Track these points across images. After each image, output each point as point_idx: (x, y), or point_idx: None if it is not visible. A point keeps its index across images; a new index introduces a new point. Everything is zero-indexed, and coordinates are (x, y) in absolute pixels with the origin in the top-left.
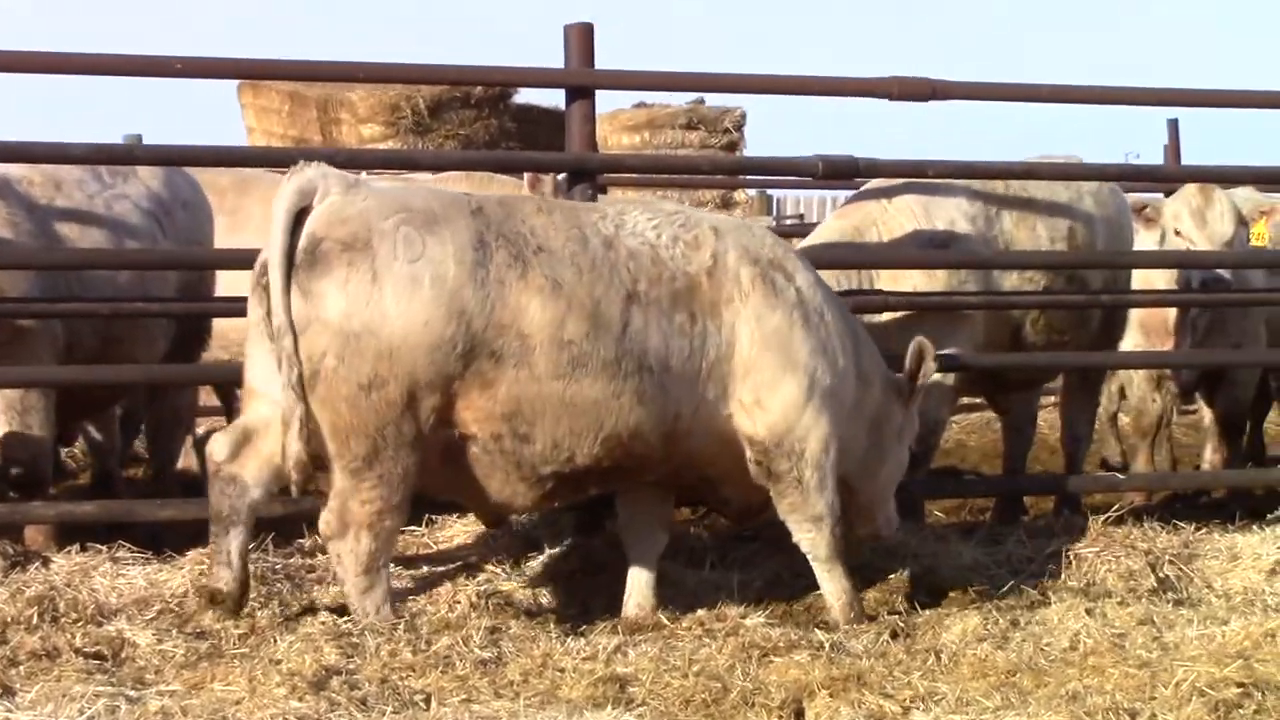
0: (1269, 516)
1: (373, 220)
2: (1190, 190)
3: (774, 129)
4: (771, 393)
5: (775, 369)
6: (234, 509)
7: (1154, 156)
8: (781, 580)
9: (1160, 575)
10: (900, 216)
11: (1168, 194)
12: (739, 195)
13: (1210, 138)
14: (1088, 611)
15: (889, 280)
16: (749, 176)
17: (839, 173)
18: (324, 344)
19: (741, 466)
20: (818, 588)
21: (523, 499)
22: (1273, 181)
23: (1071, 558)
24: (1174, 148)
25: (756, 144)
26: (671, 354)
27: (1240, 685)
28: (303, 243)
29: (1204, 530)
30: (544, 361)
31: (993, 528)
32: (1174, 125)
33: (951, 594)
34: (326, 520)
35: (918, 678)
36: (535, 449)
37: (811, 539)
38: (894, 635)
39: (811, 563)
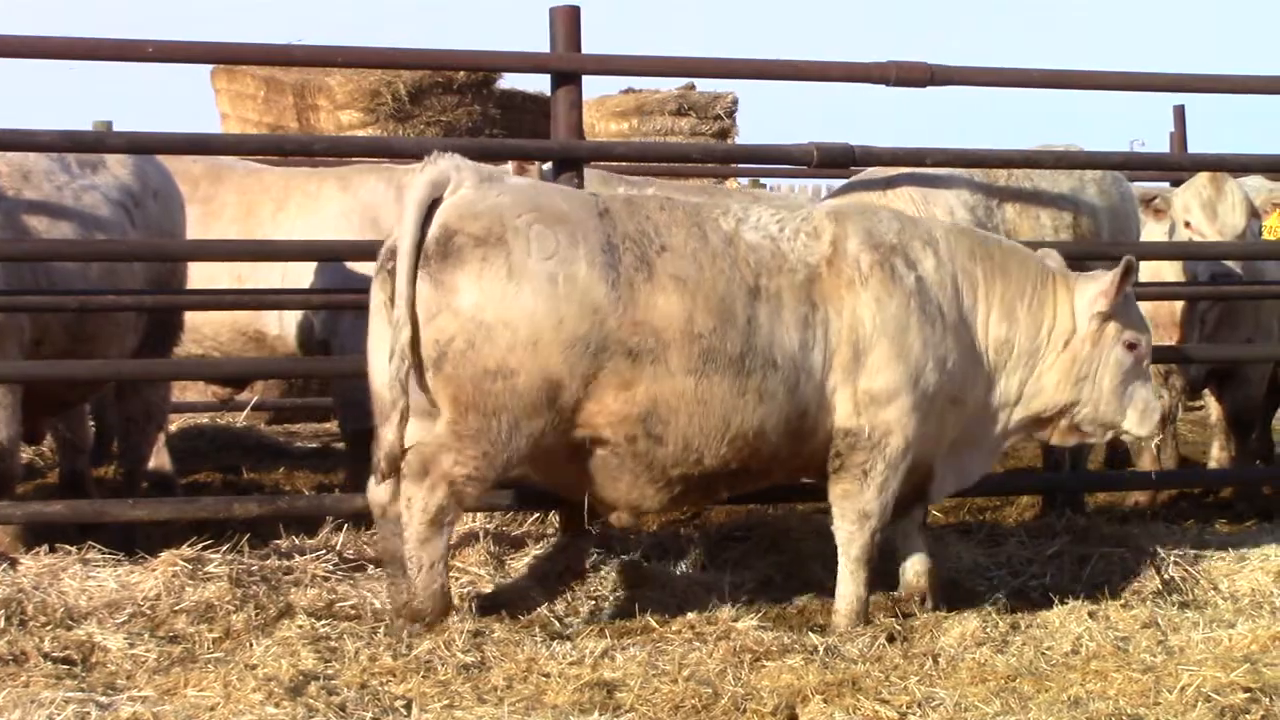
0: (1277, 516)
1: (506, 216)
2: (1201, 181)
3: (768, 115)
4: (879, 378)
5: (886, 355)
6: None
7: (1160, 144)
8: (774, 582)
9: (1165, 577)
10: (899, 205)
11: (1174, 183)
12: (731, 184)
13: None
14: (1090, 614)
15: None
16: (741, 165)
17: (834, 161)
18: (453, 329)
19: None
20: (811, 590)
21: (651, 502)
22: None
23: (1074, 559)
24: (1180, 135)
25: (749, 131)
26: (795, 347)
27: (1247, 690)
28: (435, 232)
29: (1210, 530)
30: (677, 356)
31: (992, 529)
32: (1180, 111)
33: (952, 596)
34: (409, 462)
35: (914, 683)
36: (667, 450)
37: (850, 534)
38: (890, 639)
39: (840, 557)
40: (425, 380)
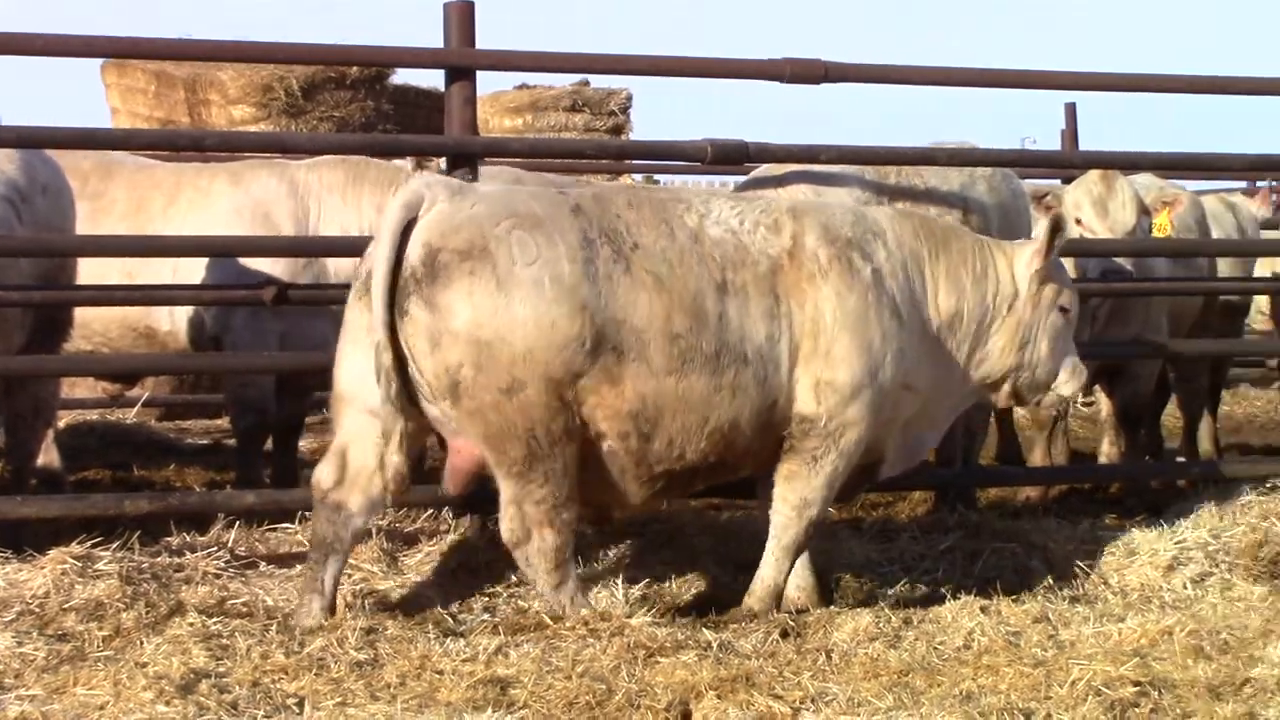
0: (1166, 511)
1: (485, 226)
2: (1092, 178)
3: (662, 112)
4: (842, 371)
5: (847, 349)
6: (338, 537)
7: (1051, 141)
8: (668, 579)
9: (1056, 572)
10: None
11: (1065, 180)
12: (625, 180)
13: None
14: (982, 609)
15: None
16: (635, 161)
17: (728, 158)
18: (459, 355)
19: None
20: (704, 587)
21: (634, 498)
22: (1172, 167)
23: (966, 554)
24: (1071, 132)
25: (643, 127)
26: (762, 341)
27: (1136, 684)
28: (418, 254)
29: (1101, 525)
30: (658, 356)
31: (885, 525)
32: (1071, 109)
33: (844, 592)
34: (509, 529)
35: (808, 678)
36: (655, 447)
37: (786, 519)
38: (784, 634)
39: (770, 540)
40: (443, 408)
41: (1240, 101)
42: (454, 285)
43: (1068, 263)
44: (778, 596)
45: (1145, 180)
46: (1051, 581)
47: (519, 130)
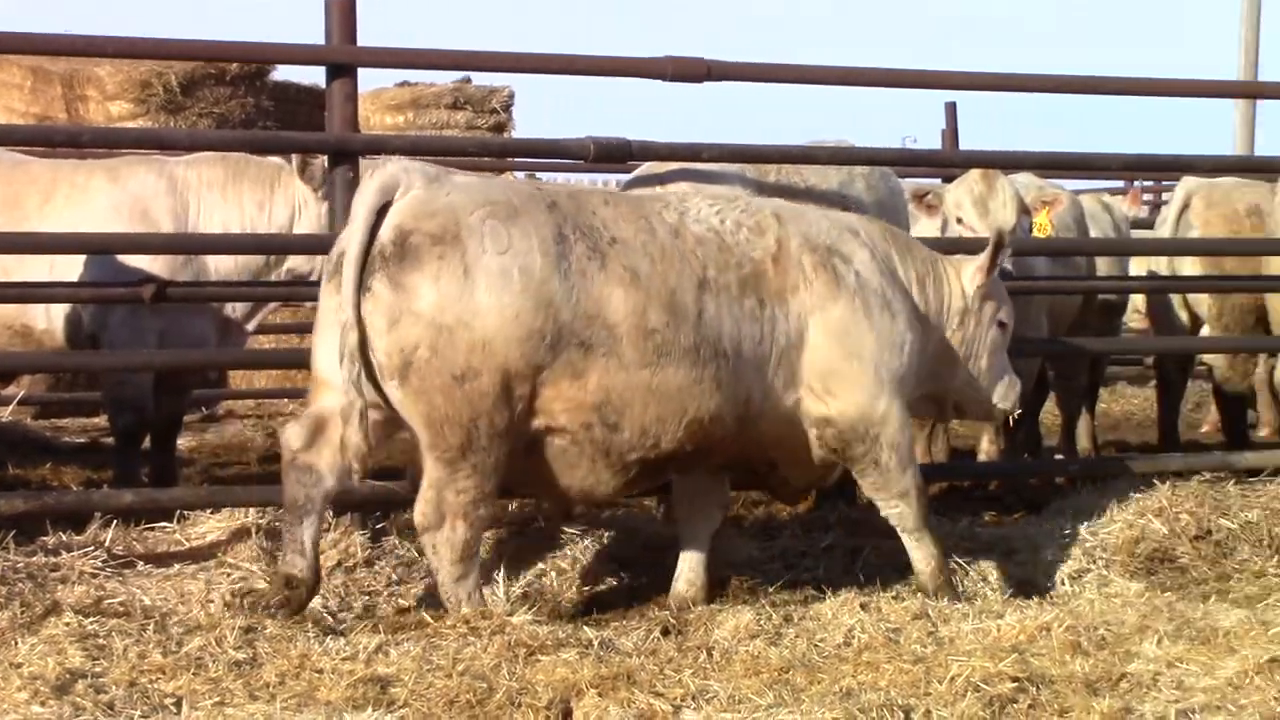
0: (1045, 509)
1: (460, 214)
2: (973, 177)
3: (544, 110)
4: (841, 382)
5: (843, 358)
6: (309, 498)
7: (932, 141)
8: (548, 576)
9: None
10: None
11: (946, 179)
12: (507, 178)
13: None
14: (862, 606)
15: None
16: (517, 159)
17: (611, 155)
18: (416, 336)
19: (804, 448)
20: (586, 584)
21: (605, 487)
22: (1051, 167)
23: (846, 551)
24: (951, 132)
25: (526, 125)
26: (743, 339)
27: (1015, 680)
28: (390, 235)
29: (980, 523)
30: (631, 350)
31: (766, 522)
32: (952, 109)
33: (725, 589)
34: (422, 512)
35: (689, 675)
36: (624, 437)
37: (899, 512)
38: (665, 632)
39: (900, 533)
40: (389, 389)
41: (1117, 102)
42: (422, 267)
43: None
44: (944, 569)
45: (1025, 180)
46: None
47: (400, 128)
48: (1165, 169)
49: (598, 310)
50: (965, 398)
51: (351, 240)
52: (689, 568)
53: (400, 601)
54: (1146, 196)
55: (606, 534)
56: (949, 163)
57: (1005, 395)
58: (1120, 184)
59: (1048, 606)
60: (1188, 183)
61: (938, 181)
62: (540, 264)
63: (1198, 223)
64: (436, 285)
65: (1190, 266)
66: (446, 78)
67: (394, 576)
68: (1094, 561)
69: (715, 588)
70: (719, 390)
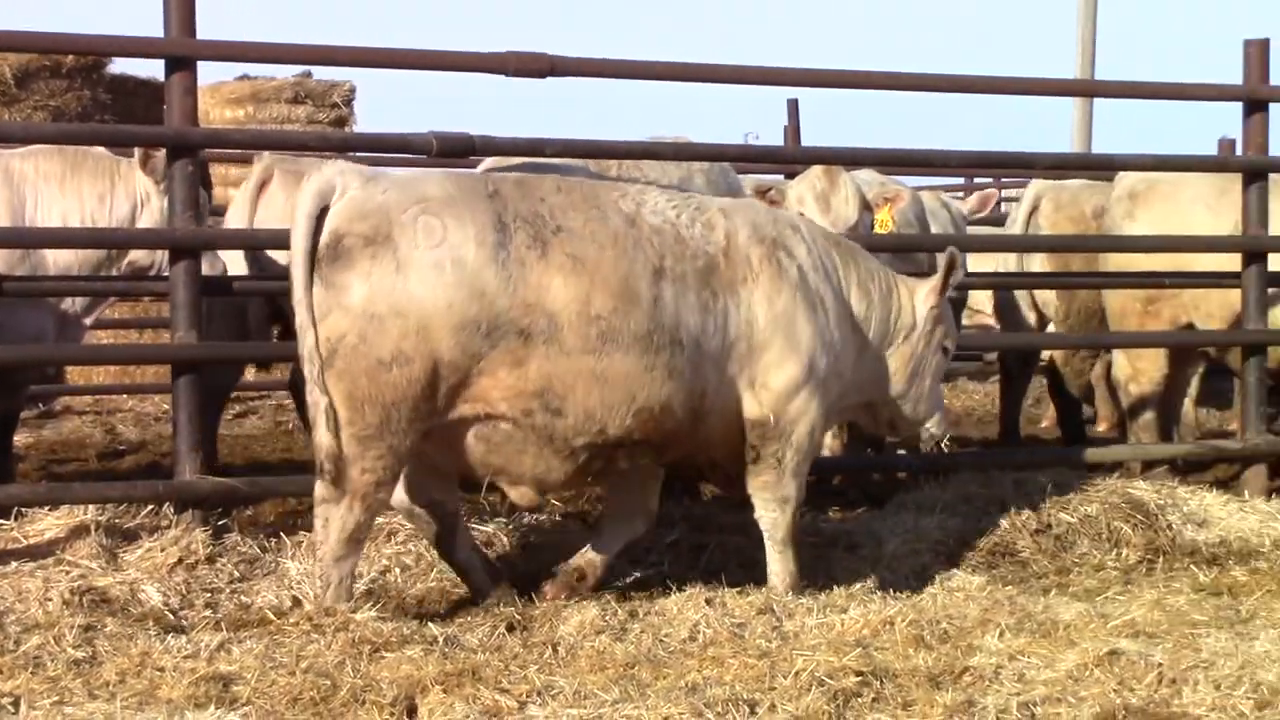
0: (888, 504)
1: (393, 213)
2: (815, 173)
3: (387, 105)
4: (776, 374)
5: (781, 351)
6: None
7: (774, 137)
8: (392, 573)
9: None
10: None
11: (789, 175)
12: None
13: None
14: (707, 601)
15: None
16: (359, 153)
17: (454, 150)
18: (344, 326)
19: (742, 445)
20: (431, 582)
21: (557, 473)
22: (893, 164)
23: (691, 547)
24: (794, 128)
25: (368, 120)
26: (699, 330)
27: (859, 674)
28: (326, 239)
29: (824, 518)
30: (573, 337)
31: None
32: (794, 105)
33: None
34: (323, 484)
35: (534, 671)
36: (567, 422)
37: (774, 519)
38: (510, 628)
39: (767, 541)
40: (323, 382)
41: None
42: (354, 266)
43: None
44: (796, 580)
45: (867, 176)
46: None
47: (240, 121)
48: (1004, 166)
49: (537, 298)
50: (900, 415)
51: (295, 246)
52: (586, 555)
53: (243, 599)
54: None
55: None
56: (791, 159)
57: (939, 421)
58: (960, 180)
59: (891, 601)
60: (1037, 185)
61: (780, 178)
62: (474, 255)
63: (1046, 225)
64: (368, 281)
65: (1039, 265)
66: (287, 72)
67: (236, 574)
68: (936, 556)
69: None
70: (671, 379)
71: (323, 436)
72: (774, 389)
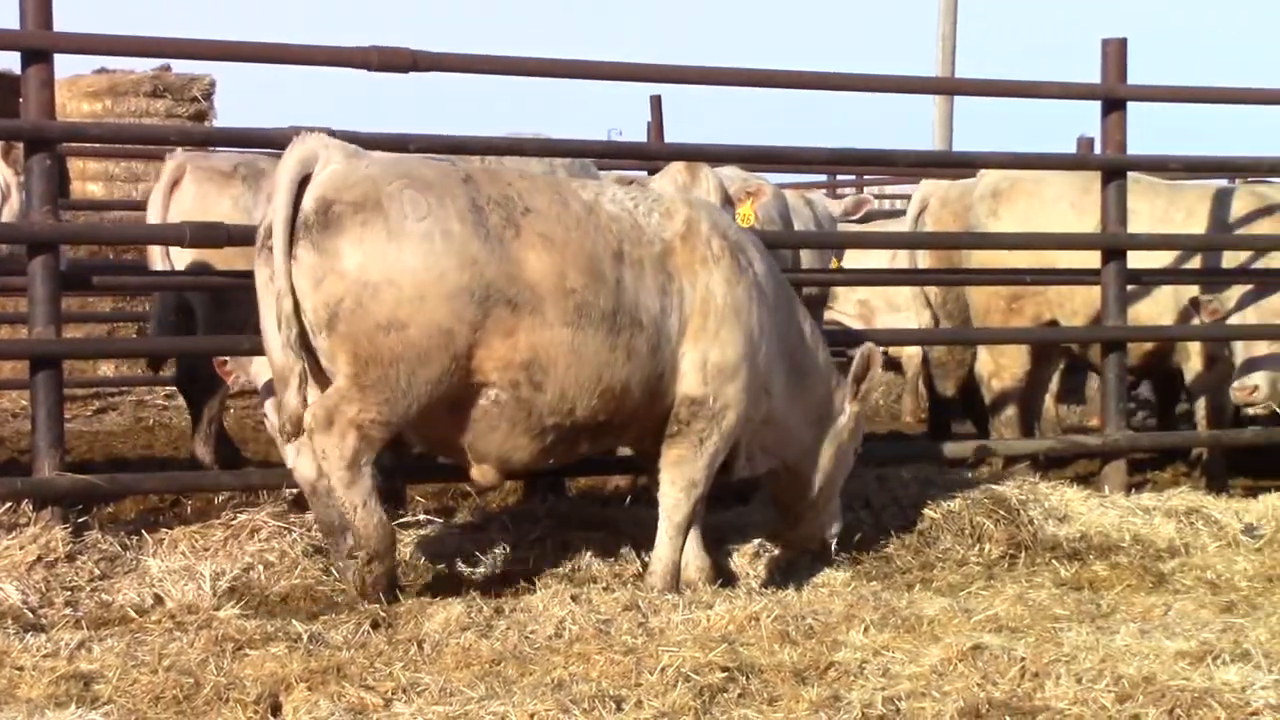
0: (753, 500)
1: (379, 184)
2: (676, 168)
3: (248, 100)
4: (722, 351)
5: (730, 333)
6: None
7: (638, 134)
8: (256, 570)
9: (645, 560)
10: None
11: (651, 171)
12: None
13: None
14: (573, 598)
15: None
16: (220, 149)
17: None
18: (341, 291)
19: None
20: (295, 579)
21: (523, 453)
22: (756, 160)
23: (557, 543)
24: (657, 124)
25: (228, 115)
26: (657, 312)
27: (725, 670)
28: (312, 205)
29: None
30: (553, 309)
31: (476, 514)
32: (657, 101)
33: (435, 582)
34: (313, 414)
35: (399, 668)
36: (545, 398)
37: (676, 500)
38: (375, 625)
39: (661, 522)
40: (319, 343)
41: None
42: (345, 233)
43: None
44: (677, 574)
45: (730, 172)
46: (641, 569)
47: (98, 115)
48: (866, 164)
49: (519, 271)
50: (807, 498)
51: (278, 209)
52: (695, 555)
53: (104, 597)
54: (848, 191)
55: (315, 530)
56: (655, 155)
57: (831, 524)
58: (823, 178)
59: (756, 596)
60: (926, 184)
61: (643, 174)
62: (459, 229)
63: (931, 222)
64: (361, 247)
65: (926, 264)
66: (146, 65)
67: (97, 571)
68: (802, 552)
69: (445, 582)
70: (631, 360)
71: (291, 398)
72: (717, 364)
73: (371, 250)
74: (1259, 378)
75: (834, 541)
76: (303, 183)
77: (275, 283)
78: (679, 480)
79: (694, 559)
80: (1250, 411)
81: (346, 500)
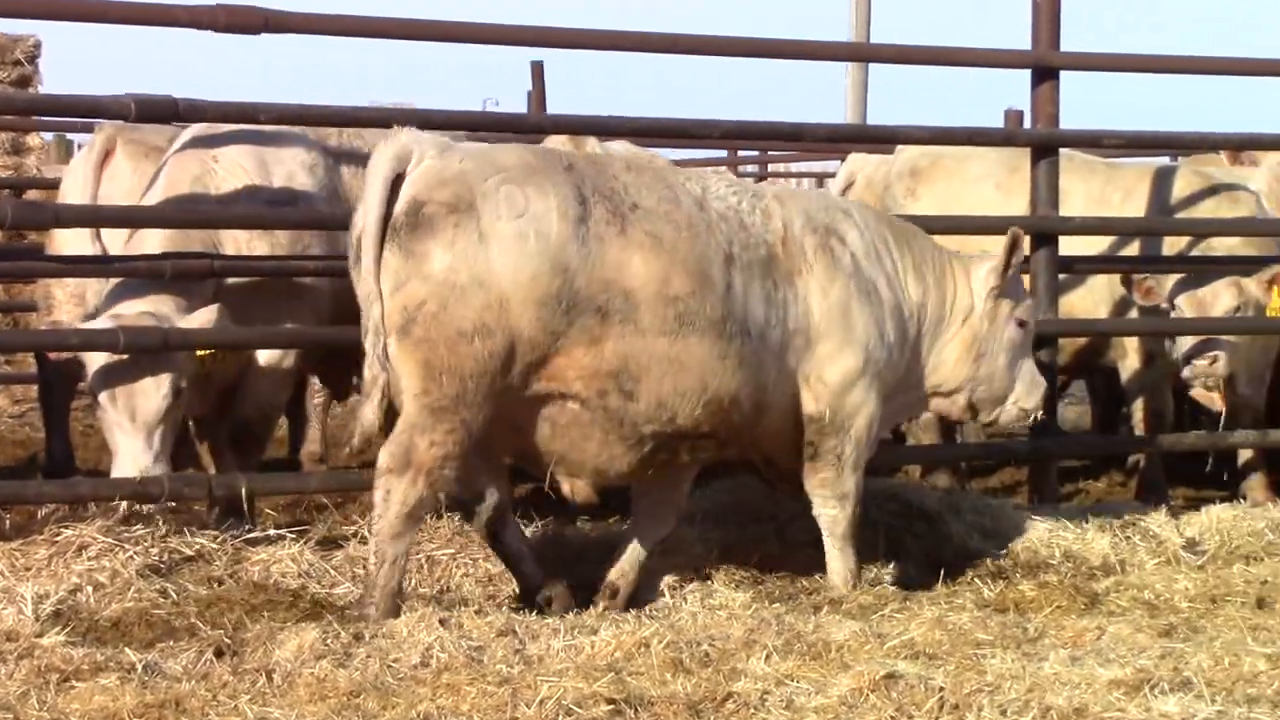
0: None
1: (474, 181)
2: (560, 143)
3: (78, 65)
4: (832, 368)
5: (837, 343)
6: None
7: (517, 103)
8: (84, 592)
9: (524, 581)
10: (228, 169)
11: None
12: (32, 139)
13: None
14: (441, 622)
15: (232, 244)
16: (46, 118)
17: (155, 114)
18: (424, 294)
19: (797, 441)
20: (128, 599)
21: (620, 463)
22: (649, 134)
23: (424, 561)
24: (539, 94)
25: (56, 80)
26: (764, 321)
27: (610, 702)
28: (403, 206)
29: (571, 527)
30: (650, 317)
31: (333, 529)
32: (538, 69)
33: (286, 605)
34: (391, 453)
35: (246, 701)
36: (639, 407)
37: (834, 516)
38: (219, 654)
39: (826, 539)
40: (389, 351)
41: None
42: (436, 235)
43: None
44: (855, 577)
45: (620, 148)
46: (518, 591)
47: None
48: (771, 138)
49: (616, 275)
50: (978, 396)
51: (369, 210)
52: (626, 559)
53: None
54: (751, 168)
55: (151, 547)
56: (535, 128)
57: (1027, 394)
58: (724, 154)
59: (646, 620)
60: (853, 160)
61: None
62: (557, 228)
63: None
64: (451, 250)
65: None
66: None
67: None
68: (697, 570)
69: (297, 605)
70: (741, 369)
71: (369, 413)
72: (830, 383)
73: (462, 252)
74: (1220, 348)
75: (1032, 406)
76: (395, 182)
77: (362, 289)
78: (830, 497)
79: (624, 562)
80: (1202, 385)
81: (381, 550)
